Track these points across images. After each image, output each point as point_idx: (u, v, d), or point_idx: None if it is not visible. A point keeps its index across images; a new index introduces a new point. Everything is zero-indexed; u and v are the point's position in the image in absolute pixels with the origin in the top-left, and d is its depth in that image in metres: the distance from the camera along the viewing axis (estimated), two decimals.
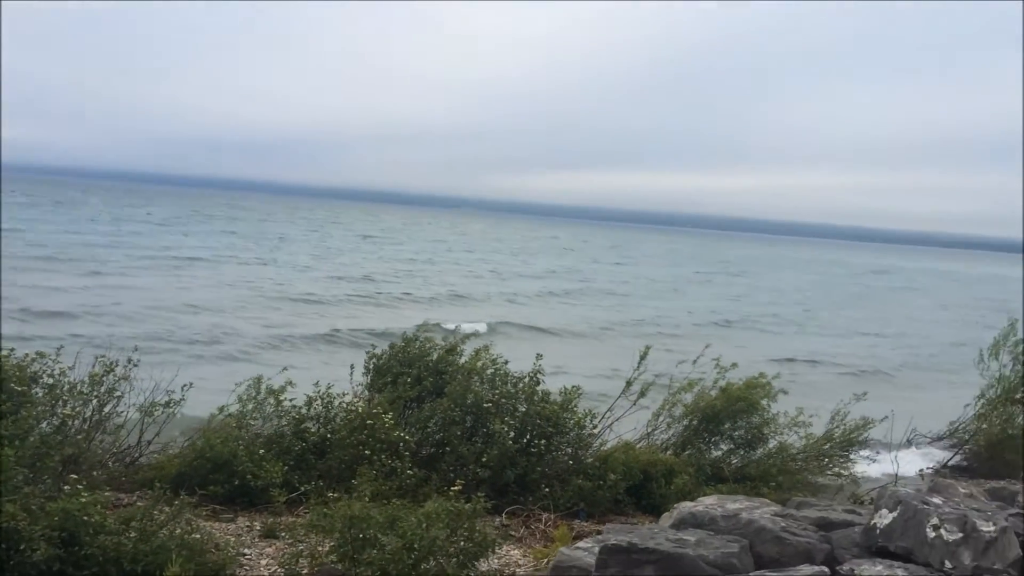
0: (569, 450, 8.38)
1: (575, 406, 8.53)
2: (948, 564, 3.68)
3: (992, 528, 3.74)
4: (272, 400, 7.90)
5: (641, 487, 8.25)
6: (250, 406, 7.87)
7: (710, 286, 56.56)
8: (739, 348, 24.28)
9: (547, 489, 7.80)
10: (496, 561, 6.54)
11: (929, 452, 12.03)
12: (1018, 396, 10.91)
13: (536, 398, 8.33)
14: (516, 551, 6.83)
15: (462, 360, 8.85)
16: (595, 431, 8.79)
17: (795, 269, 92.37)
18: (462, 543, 5.43)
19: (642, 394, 9.86)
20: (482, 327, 26.27)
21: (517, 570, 6.30)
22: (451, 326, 24.11)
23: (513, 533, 7.22)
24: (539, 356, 8.83)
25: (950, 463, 11.12)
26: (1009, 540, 3.79)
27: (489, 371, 8.56)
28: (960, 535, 3.75)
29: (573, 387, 8.70)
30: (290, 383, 7.95)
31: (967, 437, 11.25)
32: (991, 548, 3.69)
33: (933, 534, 3.81)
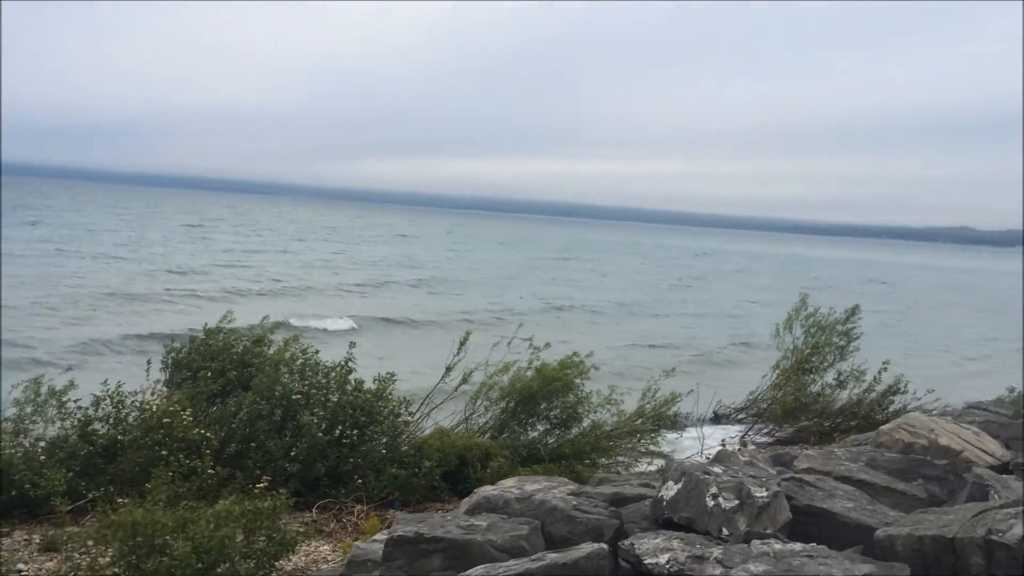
0: (384, 439, 8.23)
1: (390, 394, 8.39)
2: (725, 531, 3.82)
3: (765, 494, 3.90)
4: (54, 402, 7.24)
5: (458, 472, 8.22)
6: (28, 409, 7.18)
7: (546, 272, 57.72)
8: (581, 334, 24.78)
9: (360, 480, 7.62)
10: (304, 558, 6.32)
11: (736, 423, 12.77)
12: (808, 365, 11.75)
13: (349, 387, 8.12)
14: (326, 546, 6.63)
15: (271, 351, 8.50)
16: (411, 419, 8.68)
17: (628, 254, 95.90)
18: (262, 543, 5.18)
19: (464, 380, 9.88)
20: (344, 323, 24.81)
21: (323, 566, 6.10)
22: (309, 323, 22.89)
23: (324, 528, 7.01)
24: (352, 344, 8.62)
25: (752, 432, 11.83)
26: (780, 504, 3.97)
27: (299, 362, 8.26)
28: (736, 502, 3.88)
29: (388, 374, 8.54)
30: (73, 383, 7.31)
31: (765, 406, 12.01)
32: (764, 513, 3.85)
33: (712, 503, 3.93)
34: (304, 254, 53.86)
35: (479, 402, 9.40)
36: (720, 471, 4.13)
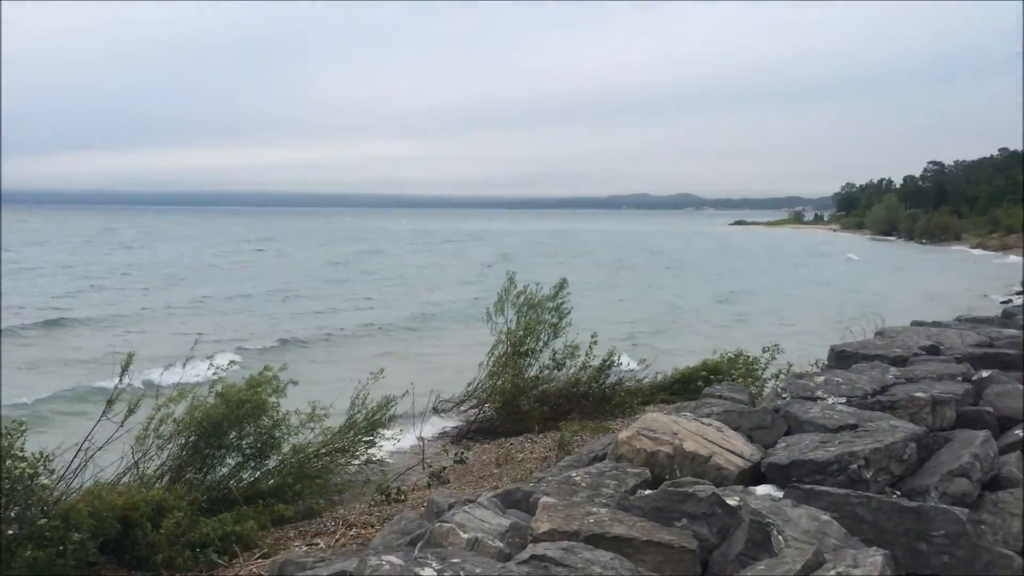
0: (13, 511, 6.29)
1: (19, 449, 6.43)
2: None
3: None
4: None
5: (124, 538, 6.52)
6: None
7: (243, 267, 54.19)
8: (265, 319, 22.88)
9: None
10: None
11: (457, 418, 12.01)
12: (523, 348, 11.25)
13: None
14: None
15: None
16: (49, 480, 6.76)
17: (338, 241, 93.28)
18: None
19: (131, 411, 8.05)
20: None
21: None
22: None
23: None
24: None
25: (473, 427, 11.12)
26: None
27: None
28: None
29: (14, 423, 6.57)
30: None
31: (485, 396, 11.36)
32: None
33: None
34: None
35: (150, 440, 7.65)
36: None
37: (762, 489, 3.57)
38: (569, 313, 12.17)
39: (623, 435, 4.17)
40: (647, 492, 3.17)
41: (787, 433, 4.32)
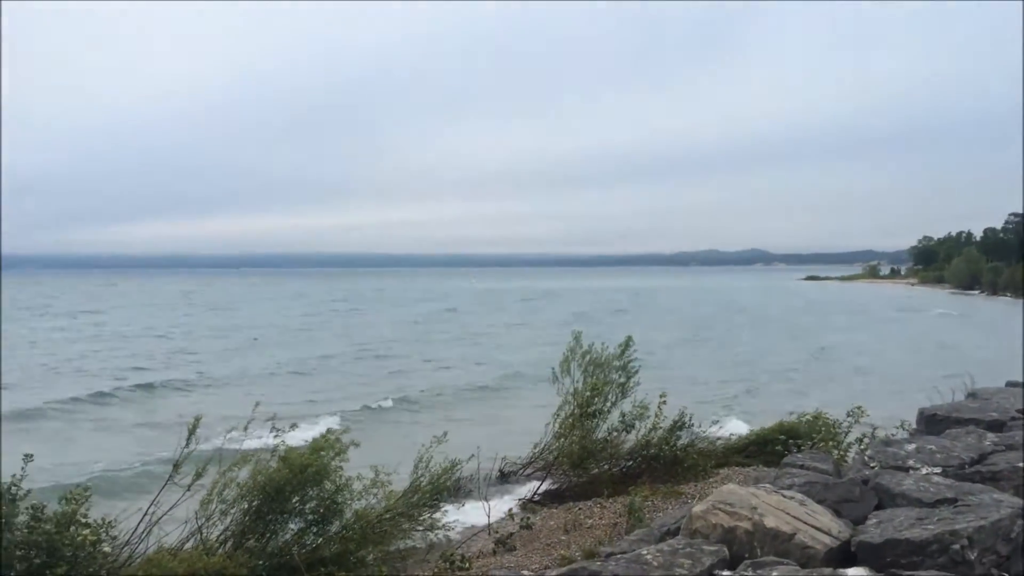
0: None
1: (83, 516, 6.42)
2: None
3: None
4: None
5: None
6: None
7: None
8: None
9: None
10: None
11: (525, 480, 11.70)
12: (591, 409, 10.95)
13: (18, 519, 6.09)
14: None
15: None
16: (111, 547, 6.73)
17: (420, 300, 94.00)
18: None
19: (198, 475, 8.04)
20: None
21: None
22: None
23: None
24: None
25: (541, 490, 10.80)
26: None
27: None
28: None
29: (79, 488, 6.58)
30: None
31: (552, 458, 11.06)
32: None
33: None
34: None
35: (213, 505, 7.59)
36: None
37: (854, 572, 3.26)
38: (637, 372, 11.85)
39: (698, 508, 3.89)
40: (725, 574, 2.90)
41: (878, 507, 3.99)
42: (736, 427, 14.72)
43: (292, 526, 7.68)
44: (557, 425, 11.19)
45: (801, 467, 4.40)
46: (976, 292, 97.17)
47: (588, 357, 11.83)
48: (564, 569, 3.56)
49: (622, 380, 11.73)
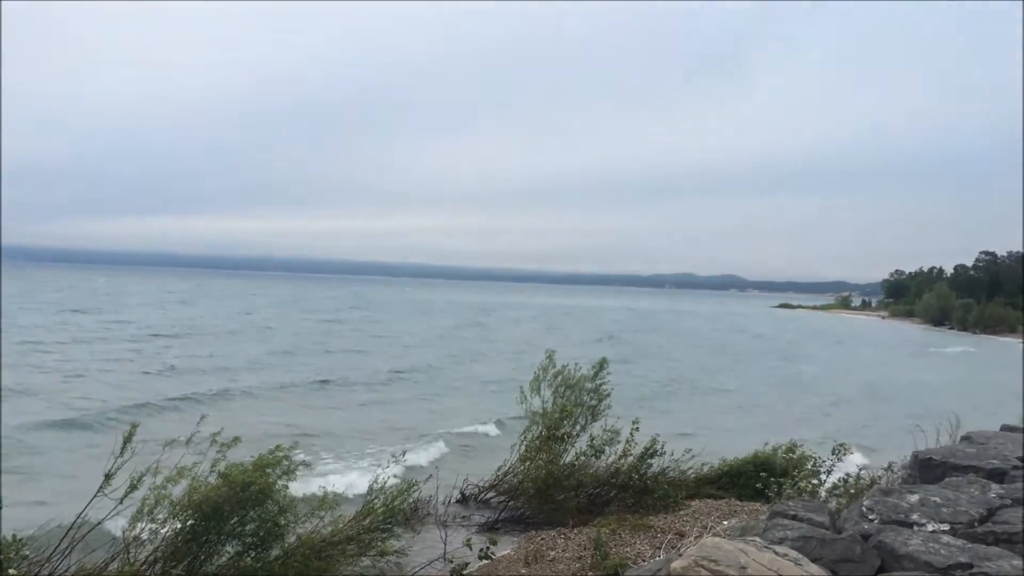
0: None
1: None
2: None
3: None
4: None
5: None
6: None
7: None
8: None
9: None
10: None
11: (486, 505, 11.10)
12: (560, 432, 10.40)
13: None
14: None
15: None
16: (19, 567, 6.07)
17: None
18: None
19: (132, 487, 7.38)
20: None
21: None
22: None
23: None
24: None
25: (502, 516, 10.21)
26: None
27: None
28: None
29: None
30: None
31: (516, 482, 10.49)
32: None
33: None
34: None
35: (142, 525, 6.94)
36: None
37: None
38: (609, 395, 11.34)
39: (678, 564, 3.36)
40: None
41: (880, 569, 3.48)
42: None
43: (229, 549, 7.07)
44: (523, 447, 10.63)
45: (794, 517, 3.89)
46: (946, 327, 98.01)
47: (560, 378, 11.30)
48: None
49: (593, 403, 11.21)
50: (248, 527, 7.08)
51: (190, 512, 6.92)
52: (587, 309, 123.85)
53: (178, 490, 7.05)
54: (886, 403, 30.07)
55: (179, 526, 6.96)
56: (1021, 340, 72.42)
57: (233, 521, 7.01)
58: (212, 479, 7.02)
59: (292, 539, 7.15)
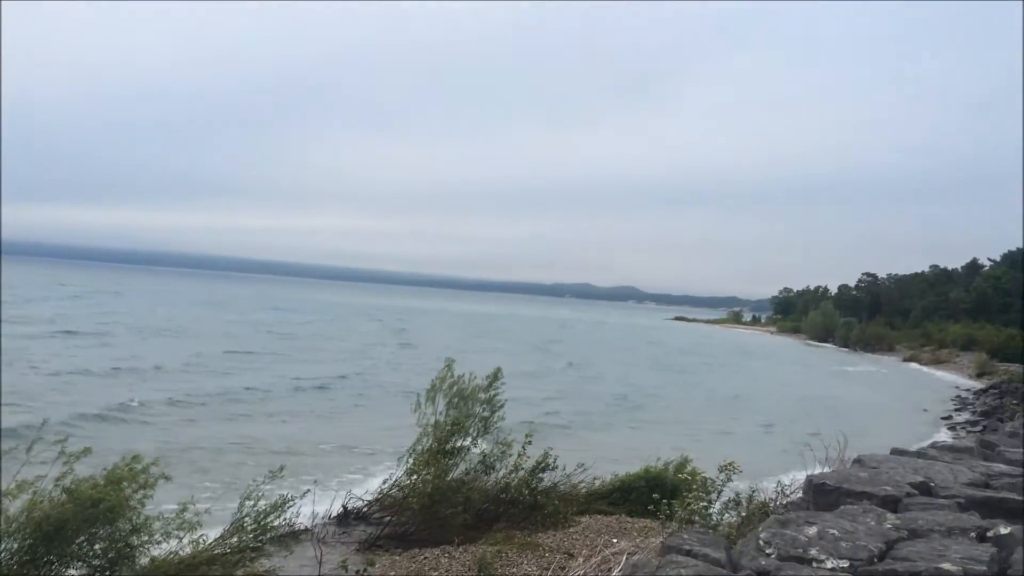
0: None
1: None
2: None
3: None
4: None
5: None
6: None
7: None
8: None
9: None
10: None
11: (366, 521, 10.55)
12: (448, 446, 9.97)
13: None
14: None
15: None
16: None
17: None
18: None
19: None
20: None
21: None
22: None
23: None
24: None
25: (384, 533, 9.69)
26: None
27: None
28: None
29: None
30: None
31: (401, 497, 9.99)
32: None
33: None
34: None
35: None
36: None
37: None
38: (502, 407, 10.98)
39: None
40: None
41: None
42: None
43: (73, 572, 6.35)
44: (411, 460, 10.14)
45: (688, 553, 3.59)
46: (829, 344, 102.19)
47: (455, 388, 10.86)
48: None
49: (486, 414, 10.84)
50: (96, 547, 6.38)
51: (28, 531, 6.17)
52: (500, 317, 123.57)
53: (16, 505, 6.30)
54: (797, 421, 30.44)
55: (15, 546, 6.20)
56: (900, 359, 76.06)
57: (80, 540, 6.30)
58: (57, 494, 6.29)
59: (145, 561, 6.48)
